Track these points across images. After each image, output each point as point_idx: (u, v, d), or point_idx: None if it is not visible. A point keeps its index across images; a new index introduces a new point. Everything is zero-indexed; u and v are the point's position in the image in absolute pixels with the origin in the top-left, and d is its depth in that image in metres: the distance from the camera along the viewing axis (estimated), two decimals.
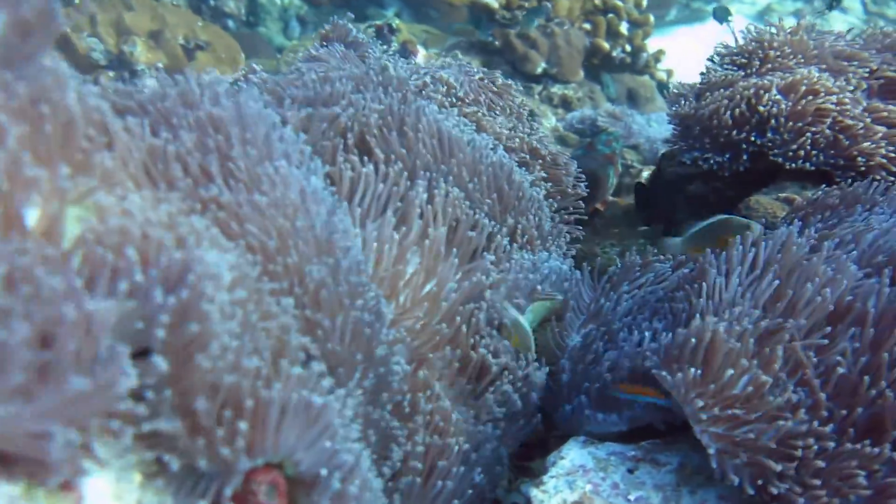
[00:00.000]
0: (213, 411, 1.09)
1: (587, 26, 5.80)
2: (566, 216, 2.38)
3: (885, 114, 2.32)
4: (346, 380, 1.43)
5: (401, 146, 1.99)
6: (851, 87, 2.38)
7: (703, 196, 2.71)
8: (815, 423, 1.36)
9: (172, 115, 1.52)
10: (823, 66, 2.53)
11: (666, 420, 1.60)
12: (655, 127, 4.60)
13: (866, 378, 1.39)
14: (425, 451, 1.56)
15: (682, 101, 2.64)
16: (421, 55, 5.11)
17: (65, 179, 1.13)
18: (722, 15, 5.83)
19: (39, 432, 0.90)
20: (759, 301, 1.53)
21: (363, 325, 1.49)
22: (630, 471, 1.53)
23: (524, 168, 2.29)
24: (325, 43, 2.46)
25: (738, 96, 2.41)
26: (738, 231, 1.84)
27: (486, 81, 2.58)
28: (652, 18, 6.03)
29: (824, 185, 2.13)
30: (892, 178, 2.19)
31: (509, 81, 2.68)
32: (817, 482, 1.29)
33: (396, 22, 5.81)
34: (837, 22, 8.77)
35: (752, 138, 2.39)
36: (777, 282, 1.55)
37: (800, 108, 2.31)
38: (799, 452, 1.33)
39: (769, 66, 2.59)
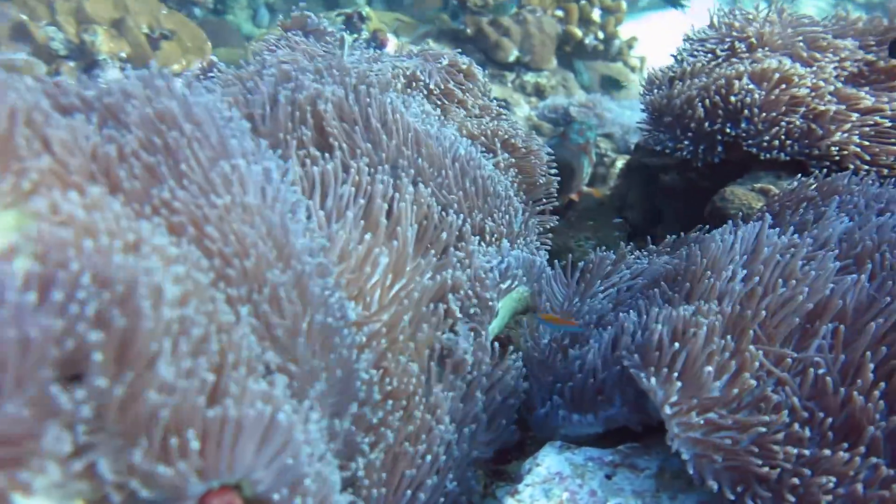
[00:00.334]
0: (159, 433, 1.02)
1: (559, 13, 5.75)
2: (539, 208, 2.32)
3: (858, 101, 2.29)
4: (309, 391, 1.36)
5: (365, 141, 1.91)
6: (825, 74, 2.35)
7: (678, 187, 2.66)
8: (796, 426, 1.32)
9: (119, 112, 1.43)
10: (797, 53, 2.49)
11: (643, 422, 1.55)
12: (629, 114, 4.56)
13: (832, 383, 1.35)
14: (393, 460, 1.50)
15: (655, 90, 2.59)
16: (392, 44, 5.02)
17: None
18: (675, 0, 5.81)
19: None
20: (736, 300, 1.49)
21: (327, 333, 1.42)
22: (608, 476, 1.48)
23: (491, 154, 2.22)
24: (286, 32, 2.37)
25: (712, 87, 2.37)
26: None
27: (452, 68, 2.50)
28: (624, 5, 5.99)
29: (800, 175, 2.09)
30: (867, 167, 2.16)
31: (474, 66, 2.60)
32: (792, 498, 1.25)
33: (367, 10, 5.70)
34: (807, 6, 8.80)
35: (727, 129, 2.35)
36: (756, 280, 1.50)
37: (773, 97, 2.27)
38: (780, 455, 1.29)
39: (742, 52, 2.55)
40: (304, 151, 1.81)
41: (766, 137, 2.27)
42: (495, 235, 2.01)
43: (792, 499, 1.25)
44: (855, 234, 1.62)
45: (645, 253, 2.14)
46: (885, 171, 2.14)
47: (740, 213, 2.18)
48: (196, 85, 1.78)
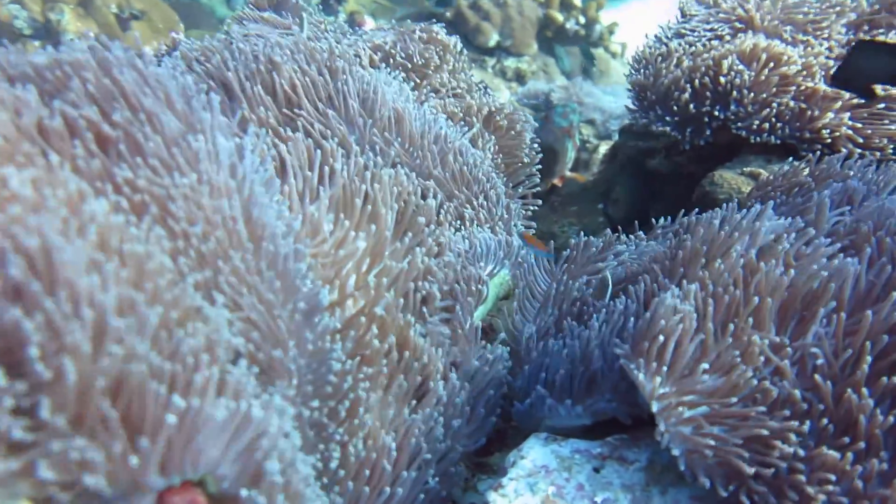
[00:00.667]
0: (116, 425, 0.93)
1: None
2: (521, 191, 2.24)
3: None
4: (279, 380, 1.27)
5: (342, 121, 1.82)
6: (816, 52, 2.28)
7: (665, 171, 2.59)
8: (794, 423, 1.25)
9: (73, 82, 1.33)
10: (788, 31, 2.43)
11: (632, 414, 1.48)
12: (611, 100, 4.50)
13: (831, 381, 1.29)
14: (369, 454, 1.41)
15: (642, 69, 2.51)
16: (369, 25, 4.91)
17: None
18: None
19: None
20: (731, 286, 1.42)
21: (300, 319, 1.33)
22: (596, 469, 1.40)
23: (465, 127, 2.13)
24: (257, 8, 2.26)
25: (701, 67, 2.30)
26: None
27: (429, 42, 2.39)
28: None
29: (791, 159, 2.03)
30: (859, 150, 2.11)
31: (451, 38, 2.49)
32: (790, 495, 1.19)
33: None
34: None
35: (716, 112, 2.28)
36: (751, 265, 1.43)
37: (763, 77, 2.20)
38: (775, 452, 1.22)
39: (732, 31, 2.48)
40: (274, 128, 1.71)
41: (756, 120, 2.21)
42: (477, 219, 1.93)
43: (790, 496, 1.18)
44: (853, 218, 1.56)
45: (632, 238, 2.06)
46: (878, 155, 2.08)
47: (730, 198, 2.12)
48: (165, 61, 1.67)
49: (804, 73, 2.18)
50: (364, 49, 2.16)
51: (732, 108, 2.25)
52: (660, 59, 2.44)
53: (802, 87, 2.17)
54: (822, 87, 2.18)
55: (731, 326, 1.38)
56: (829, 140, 2.16)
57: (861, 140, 2.13)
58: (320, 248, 1.57)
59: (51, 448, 0.86)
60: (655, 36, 2.64)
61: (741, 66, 2.25)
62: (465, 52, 2.51)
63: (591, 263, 1.94)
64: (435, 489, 1.48)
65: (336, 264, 1.57)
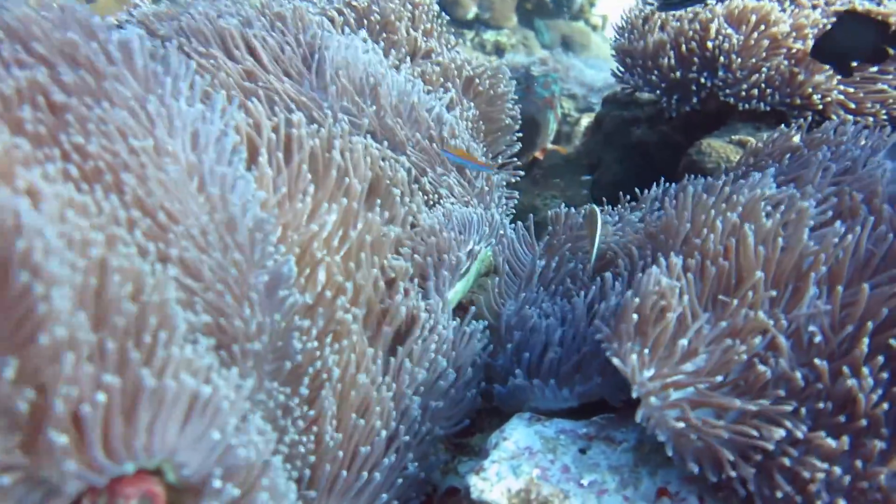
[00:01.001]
0: (61, 409, 0.84)
1: None
2: (502, 161, 2.15)
3: None
4: (242, 358, 1.18)
5: (314, 88, 1.72)
6: (807, 13, 2.20)
7: (650, 141, 2.52)
8: (786, 406, 1.18)
9: (23, 41, 1.22)
10: None
11: (622, 397, 1.40)
12: (592, 73, 4.42)
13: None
14: (343, 436, 1.33)
15: (626, 34, 2.42)
16: None
17: None
18: None
19: None
20: (720, 258, 1.35)
21: (264, 293, 1.24)
22: (582, 451, 1.33)
23: (442, 90, 2.03)
24: None
25: (688, 31, 2.21)
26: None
27: None
28: None
29: (782, 126, 1.95)
30: (850, 116, 2.04)
31: None
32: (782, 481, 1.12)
33: None
34: None
35: (702, 80, 2.20)
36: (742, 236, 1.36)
37: (752, 41, 2.12)
38: (765, 435, 1.15)
39: None
40: (241, 96, 1.61)
41: (745, 86, 2.13)
42: (455, 191, 1.84)
43: (782, 482, 1.11)
44: (849, 183, 1.49)
45: (616, 210, 1.99)
46: (871, 120, 2.01)
47: (718, 167, 2.05)
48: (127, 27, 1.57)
49: (794, 34, 2.10)
50: (337, 10, 2.05)
51: (720, 74, 2.17)
52: (644, 22, 2.36)
53: (793, 50, 2.09)
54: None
55: (722, 302, 1.31)
56: (820, 106, 2.09)
57: (853, 105, 2.06)
58: (289, 219, 1.48)
59: None
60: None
61: (729, 30, 2.17)
62: (444, 14, 2.40)
63: (574, 236, 1.86)
64: (413, 473, 1.40)
65: (305, 237, 1.48)
